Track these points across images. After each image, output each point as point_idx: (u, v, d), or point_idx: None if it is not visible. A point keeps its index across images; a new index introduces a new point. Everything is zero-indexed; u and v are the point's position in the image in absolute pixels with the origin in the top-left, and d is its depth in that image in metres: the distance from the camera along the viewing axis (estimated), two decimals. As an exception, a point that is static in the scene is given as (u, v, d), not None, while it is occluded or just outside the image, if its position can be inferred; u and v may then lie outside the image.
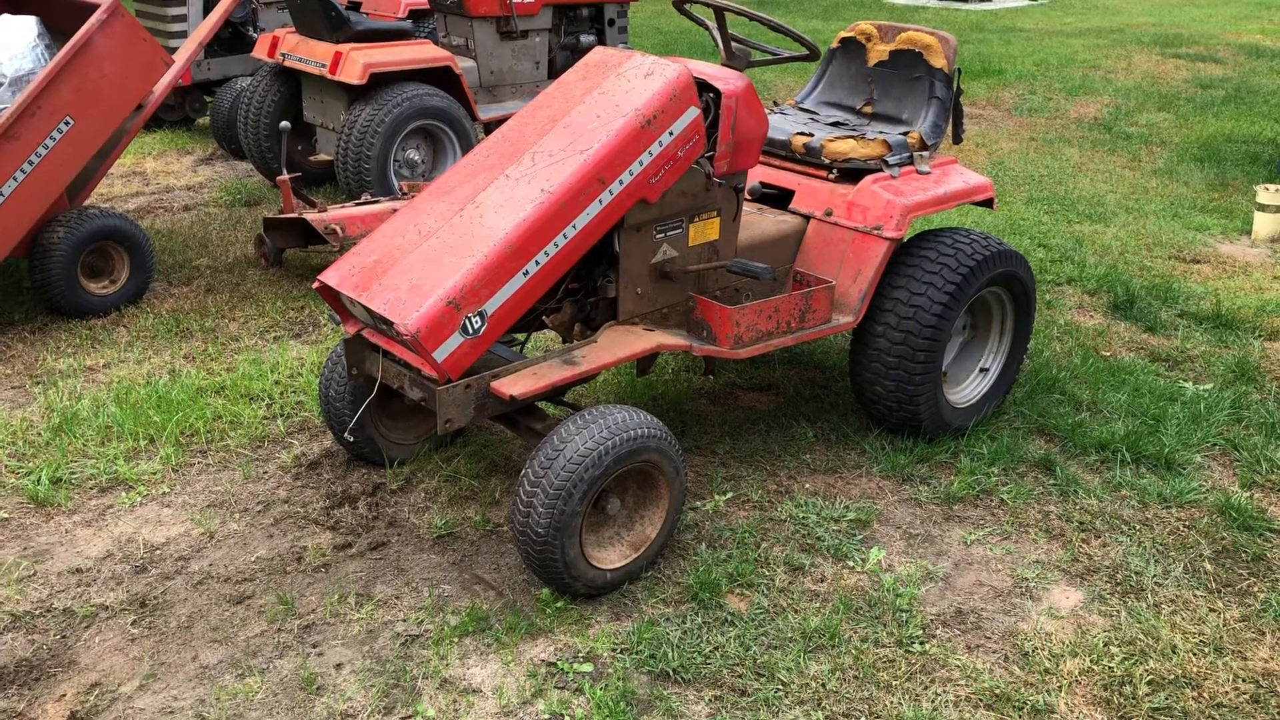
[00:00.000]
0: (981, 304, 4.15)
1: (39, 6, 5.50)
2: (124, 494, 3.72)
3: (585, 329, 3.59)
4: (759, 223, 3.95)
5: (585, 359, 3.29)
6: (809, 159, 4.06)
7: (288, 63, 6.65)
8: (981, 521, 3.66)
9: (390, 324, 3.06)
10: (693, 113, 3.39)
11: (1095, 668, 2.98)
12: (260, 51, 6.90)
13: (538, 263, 3.17)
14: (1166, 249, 6.40)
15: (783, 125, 4.20)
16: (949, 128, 4.22)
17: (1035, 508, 3.74)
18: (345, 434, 3.70)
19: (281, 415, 4.24)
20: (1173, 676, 2.96)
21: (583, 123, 3.35)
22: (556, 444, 3.00)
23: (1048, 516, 3.69)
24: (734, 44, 3.85)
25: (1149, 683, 2.93)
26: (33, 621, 3.10)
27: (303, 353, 4.80)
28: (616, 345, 3.38)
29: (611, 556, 3.21)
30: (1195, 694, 2.90)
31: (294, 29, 6.78)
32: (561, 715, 2.77)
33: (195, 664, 2.94)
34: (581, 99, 3.45)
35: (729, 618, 3.12)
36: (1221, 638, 3.12)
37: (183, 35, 7.91)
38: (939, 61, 4.14)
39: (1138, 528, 3.63)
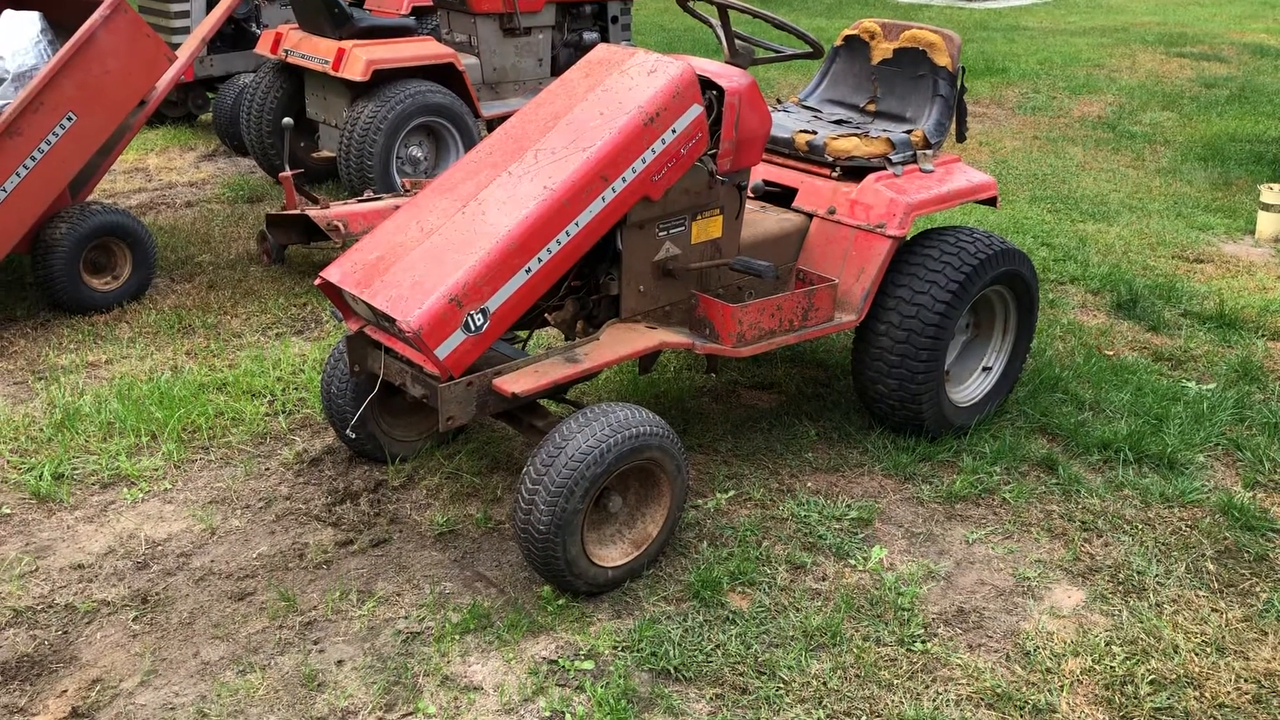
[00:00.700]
0: (984, 303, 4.15)
1: (42, 2, 5.50)
2: (126, 490, 3.72)
3: (587, 327, 3.58)
4: (762, 221, 3.95)
5: (587, 357, 3.29)
6: (812, 157, 4.06)
7: (290, 59, 6.65)
8: (983, 520, 3.66)
9: (392, 321, 3.06)
10: (696, 110, 3.39)
11: (1097, 667, 2.97)
12: (263, 48, 6.90)
13: (540, 260, 3.16)
14: (1170, 248, 6.39)
15: (786, 123, 4.20)
16: (952, 126, 4.22)
17: (1037, 507, 3.73)
18: (347, 431, 3.70)
19: (283, 412, 4.24)
20: (1174, 676, 2.95)
21: (585, 120, 3.34)
22: (558, 441, 3.00)
23: (1050, 516, 3.69)
24: (737, 41, 3.84)
25: (1151, 683, 2.93)
26: (34, 617, 3.11)
27: (305, 349, 4.80)
28: (619, 343, 3.38)
29: (613, 554, 3.21)
30: (1197, 694, 2.90)
31: (297, 25, 6.78)
32: (562, 713, 2.77)
33: (196, 660, 2.94)
34: (584, 96, 3.44)
35: (730, 616, 3.12)
36: (1224, 638, 3.11)
37: (186, 31, 7.90)
38: (943, 59, 4.14)
39: (1140, 527, 3.63)
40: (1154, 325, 5.23)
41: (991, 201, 4.16)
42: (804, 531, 3.54)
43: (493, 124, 6.96)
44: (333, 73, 6.27)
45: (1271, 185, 6.71)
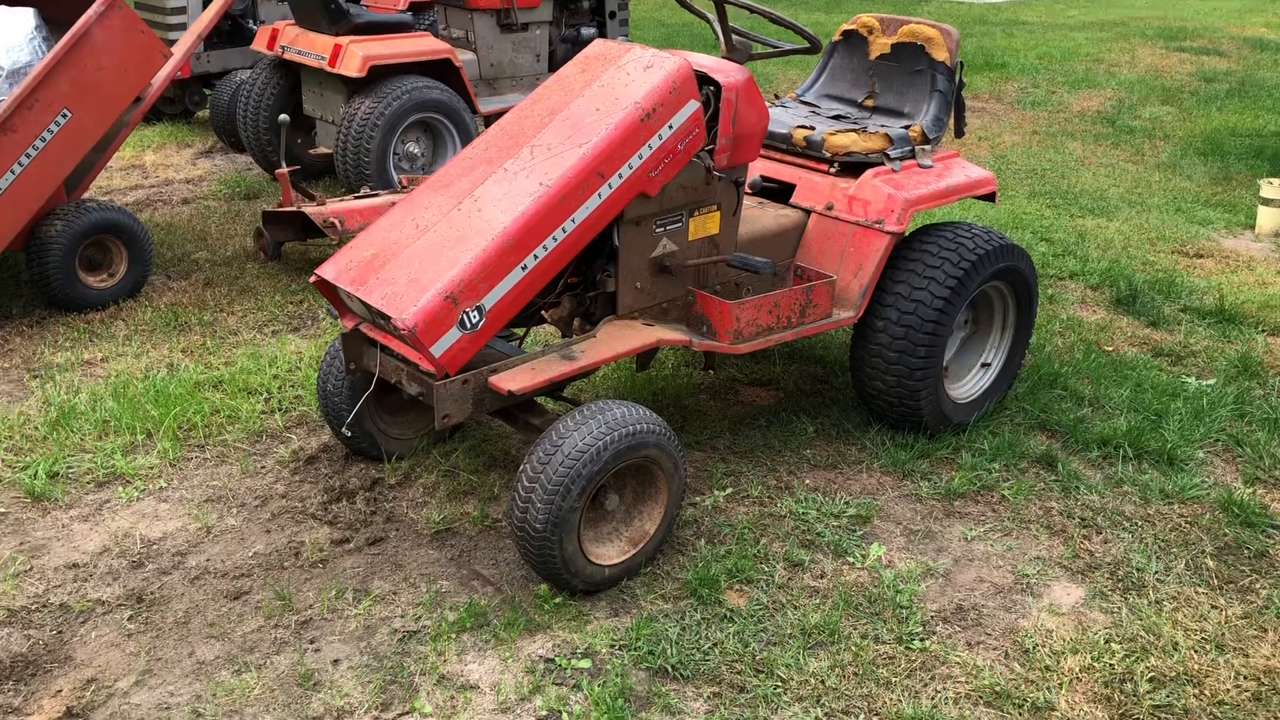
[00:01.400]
0: (983, 299, 4.13)
1: (37, -2, 5.49)
2: (121, 489, 3.70)
3: (584, 324, 3.57)
4: (759, 217, 3.93)
5: (584, 354, 3.27)
6: (810, 152, 4.04)
7: (287, 55, 6.63)
8: (982, 518, 3.65)
9: (388, 318, 3.04)
10: (693, 106, 3.37)
11: (1096, 665, 2.96)
12: (259, 44, 6.88)
13: (536, 257, 3.15)
14: (1169, 243, 6.37)
15: (783, 118, 4.18)
16: (951, 121, 4.20)
17: (1036, 504, 3.72)
18: (343, 429, 3.68)
19: (279, 410, 4.23)
20: (1174, 674, 2.94)
21: (582, 116, 3.32)
22: (555, 439, 2.99)
23: (1049, 513, 3.67)
24: (735, 37, 3.82)
25: (1150, 680, 2.92)
26: (29, 617, 3.09)
27: (301, 347, 4.78)
28: (616, 340, 3.36)
29: (610, 552, 3.19)
30: (1196, 691, 2.89)
31: (293, 21, 6.75)
32: (559, 712, 2.76)
33: (192, 660, 2.93)
34: (580, 92, 3.42)
35: (728, 614, 3.11)
36: (1223, 635, 3.10)
37: (182, 28, 7.87)
38: (941, 54, 4.12)
39: (1139, 524, 3.61)
40: (1153, 321, 5.22)
41: (990, 197, 4.15)
42: (802, 529, 3.53)
43: (490, 120, 6.94)
44: (329, 69, 6.25)
45: (1271, 180, 6.70)
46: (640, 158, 3.28)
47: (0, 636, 3.01)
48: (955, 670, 2.94)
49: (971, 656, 2.99)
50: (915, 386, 3.84)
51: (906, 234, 3.92)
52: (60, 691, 2.82)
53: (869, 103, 4.34)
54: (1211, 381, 4.59)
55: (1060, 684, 2.89)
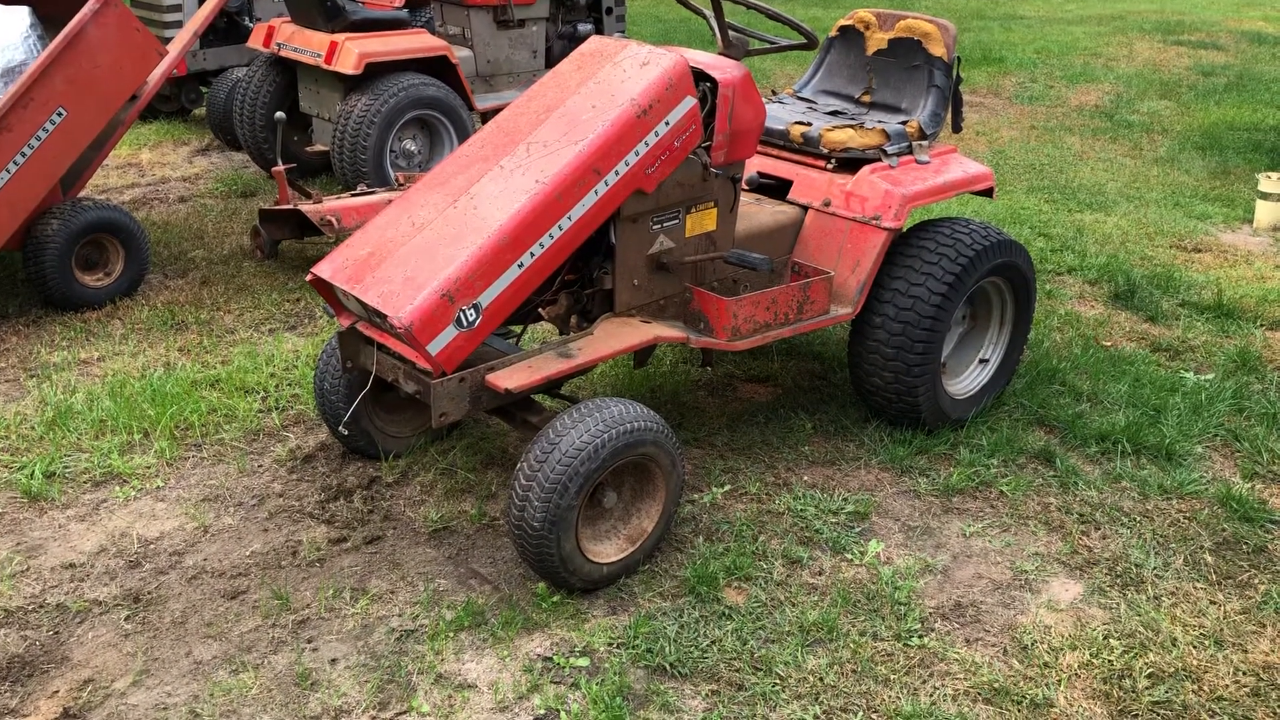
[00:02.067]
0: (981, 294, 4.13)
1: (32, -4, 5.46)
2: (118, 488, 3.69)
3: (582, 321, 3.56)
4: (757, 213, 3.93)
5: (582, 351, 3.26)
6: (807, 149, 4.03)
7: (283, 53, 6.61)
8: (981, 514, 3.64)
9: (384, 317, 3.04)
10: (689, 102, 3.36)
11: (1095, 661, 2.96)
12: (256, 41, 6.86)
13: (533, 254, 3.14)
14: (1168, 238, 6.37)
15: (780, 114, 4.17)
16: (948, 116, 4.19)
17: (1035, 500, 3.72)
18: (340, 427, 3.68)
19: (276, 408, 4.22)
20: (1173, 669, 2.94)
21: (578, 113, 3.32)
22: (552, 437, 2.98)
23: (1047, 508, 3.67)
24: (731, 32, 3.81)
25: (1149, 676, 2.91)
26: (25, 617, 3.08)
27: (298, 345, 4.77)
28: (613, 337, 3.36)
29: (608, 550, 3.19)
30: (1195, 687, 2.88)
31: (289, 19, 6.74)
32: (557, 710, 2.75)
33: (189, 659, 2.92)
34: (577, 89, 3.41)
35: (726, 611, 3.10)
36: (1222, 630, 3.10)
37: (178, 25, 7.85)
38: (938, 50, 4.11)
39: (1138, 519, 3.61)
40: (1152, 315, 5.22)
41: (988, 192, 4.14)
42: (800, 526, 3.52)
43: (486, 116, 6.93)
44: (325, 66, 6.24)
45: (1269, 174, 6.69)
46: (637, 154, 3.27)
47: (-3, 637, 3.01)
48: (954, 667, 2.93)
49: (970, 653, 2.99)
50: (913, 382, 3.83)
51: (904, 230, 3.91)
52: (57, 692, 2.81)
53: (866, 98, 4.33)
54: (1210, 376, 4.58)
55: (1059, 680, 2.89)
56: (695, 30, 12.89)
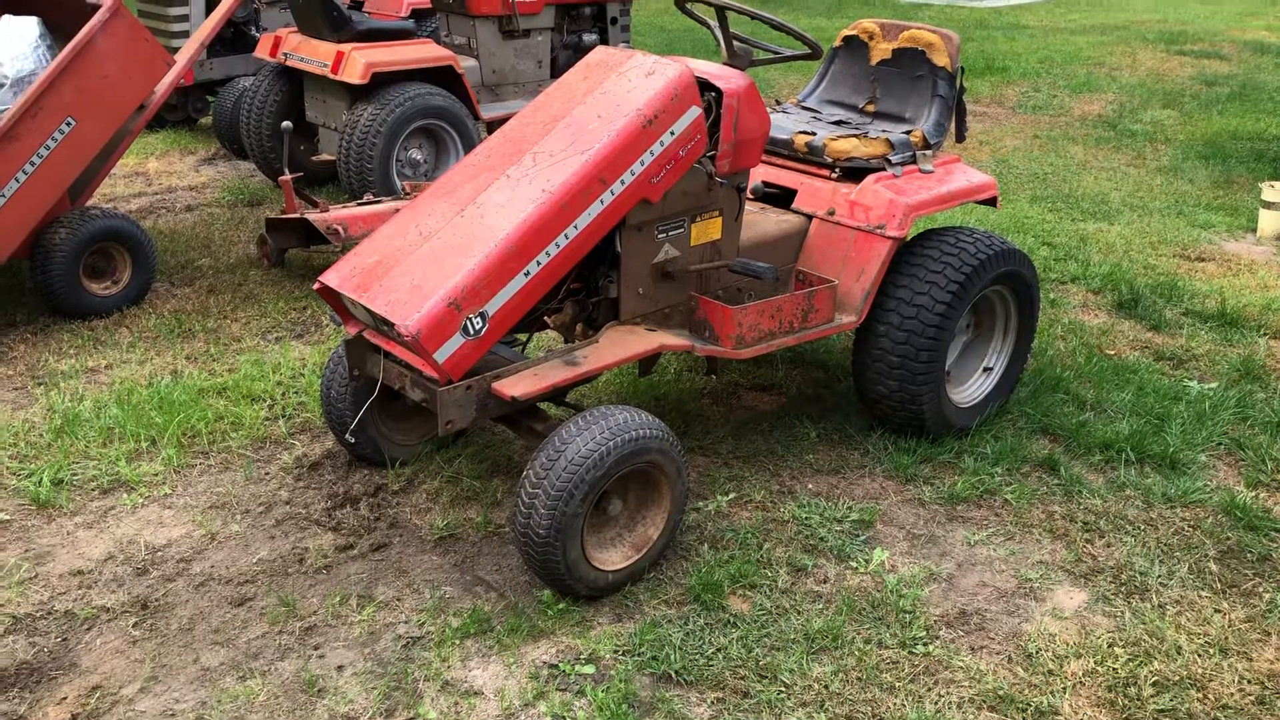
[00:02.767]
0: (985, 303, 4.14)
1: (41, 7, 5.50)
2: (125, 495, 3.71)
3: (587, 329, 3.58)
4: (761, 222, 3.94)
5: (587, 359, 3.28)
6: (811, 158, 4.05)
7: (290, 62, 6.65)
8: (985, 522, 3.65)
9: (391, 325, 3.05)
10: (694, 112, 3.38)
11: (1099, 669, 2.96)
12: (262, 51, 6.90)
13: (539, 263, 3.16)
14: (1171, 247, 6.37)
15: (785, 124, 4.19)
16: (952, 126, 4.21)
17: (1039, 508, 3.72)
18: (347, 435, 3.69)
19: (283, 416, 4.24)
20: (1177, 678, 2.94)
21: (584, 122, 3.34)
22: (558, 445, 2.99)
23: (1051, 517, 3.68)
24: (736, 43, 3.83)
25: (1154, 684, 2.92)
26: (34, 624, 3.10)
27: (305, 353, 4.79)
28: (618, 345, 3.37)
29: (613, 558, 3.20)
30: (1200, 696, 2.89)
31: (296, 29, 6.77)
32: (563, 717, 2.76)
33: (196, 666, 2.93)
34: (583, 99, 3.43)
35: (731, 619, 3.11)
36: (1227, 639, 3.10)
37: (185, 35, 7.90)
38: (942, 59, 4.13)
39: (1142, 528, 3.62)
40: (1155, 324, 5.22)
41: (992, 201, 4.15)
42: (805, 534, 3.53)
43: (492, 126, 6.95)
44: (332, 76, 6.27)
45: (1273, 183, 6.70)
46: (642, 164, 3.29)
47: (5, 644, 3.02)
48: (959, 675, 2.94)
49: (975, 661, 2.99)
50: (917, 391, 3.84)
51: (908, 239, 3.92)
52: (65, 699, 2.83)
53: (870, 108, 4.34)
54: (1213, 385, 4.59)
55: (1064, 688, 2.89)
56: (700, 40, 12.93)
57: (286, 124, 5.35)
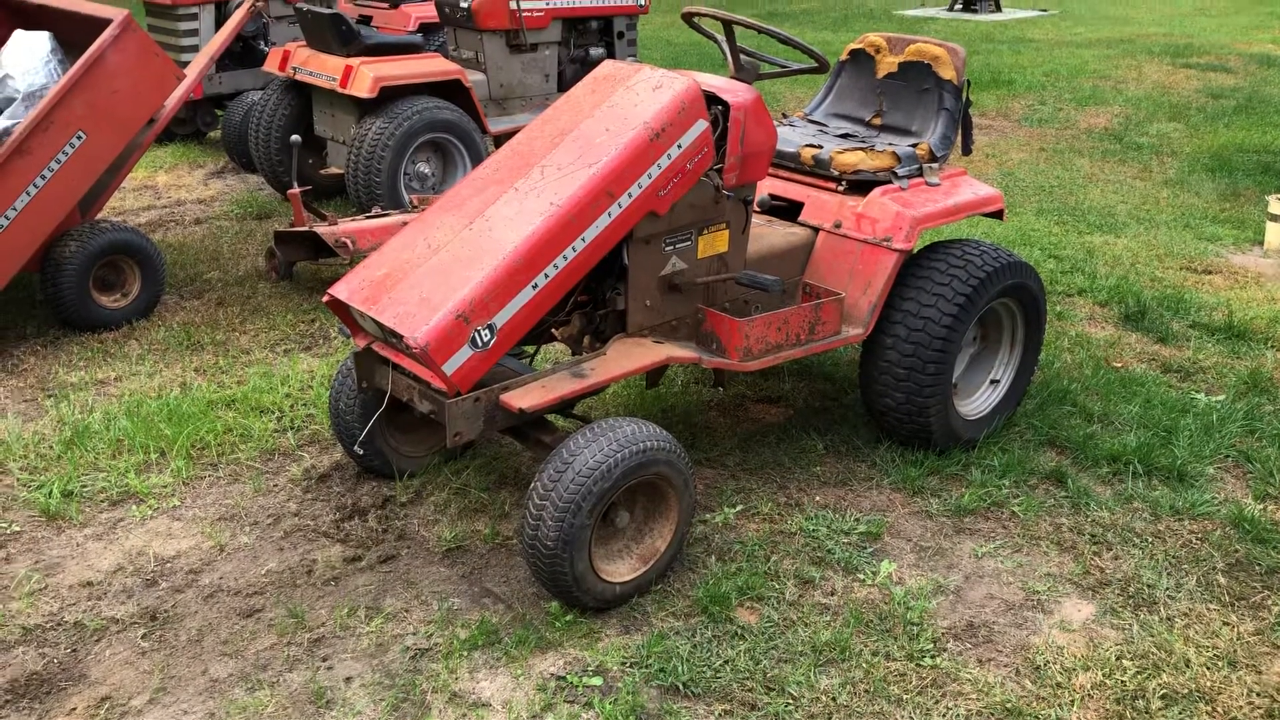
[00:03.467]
0: (992, 315, 4.14)
1: (52, 22, 5.54)
2: (135, 507, 3.73)
3: (594, 341, 3.59)
4: (768, 235, 3.95)
5: (594, 372, 3.29)
6: (818, 171, 4.07)
7: (299, 76, 6.69)
8: (992, 534, 3.65)
9: (399, 337, 3.07)
10: (701, 125, 3.39)
11: (1107, 682, 2.96)
12: (271, 65, 6.94)
13: (547, 275, 3.17)
14: (1178, 260, 6.38)
15: (791, 137, 4.20)
16: (958, 139, 4.22)
17: (1046, 520, 3.72)
18: (355, 447, 3.70)
19: (292, 428, 4.25)
20: (1186, 691, 2.94)
21: (591, 136, 3.35)
22: (566, 457, 3.00)
23: (1059, 529, 3.67)
24: (743, 56, 3.85)
25: (1162, 697, 2.91)
26: (43, 635, 3.11)
27: (313, 365, 4.81)
28: (626, 358, 3.38)
29: (621, 570, 3.20)
30: (1209, 709, 2.88)
31: (305, 43, 6.82)
32: (571, 729, 2.76)
33: (205, 677, 2.94)
34: (590, 112, 3.45)
35: (739, 631, 3.11)
36: (1235, 651, 3.09)
37: (194, 49, 7.95)
38: (948, 73, 4.14)
39: (1150, 540, 3.61)
40: (1162, 337, 5.22)
41: (998, 214, 4.16)
42: (812, 546, 3.53)
43: (500, 140, 6.98)
44: (340, 90, 6.30)
45: (1279, 196, 6.70)
46: (650, 177, 3.31)
47: (15, 654, 3.03)
48: (966, 687, 2.94)
49: (983, 673, 2.99)
50: (924, 403, 3.85)
51: (914, 251, 3.93)
52: (75, 709, 2.84)
53: (876, 121, 4.36)
54: (1221, 397, 4.58)
55: (1072, 701, 2.89)
56: (707, 54, 12.97)
57: (295, 137, 5.38)
